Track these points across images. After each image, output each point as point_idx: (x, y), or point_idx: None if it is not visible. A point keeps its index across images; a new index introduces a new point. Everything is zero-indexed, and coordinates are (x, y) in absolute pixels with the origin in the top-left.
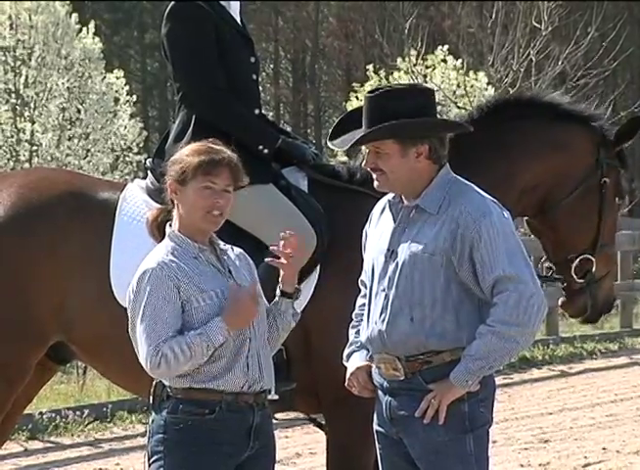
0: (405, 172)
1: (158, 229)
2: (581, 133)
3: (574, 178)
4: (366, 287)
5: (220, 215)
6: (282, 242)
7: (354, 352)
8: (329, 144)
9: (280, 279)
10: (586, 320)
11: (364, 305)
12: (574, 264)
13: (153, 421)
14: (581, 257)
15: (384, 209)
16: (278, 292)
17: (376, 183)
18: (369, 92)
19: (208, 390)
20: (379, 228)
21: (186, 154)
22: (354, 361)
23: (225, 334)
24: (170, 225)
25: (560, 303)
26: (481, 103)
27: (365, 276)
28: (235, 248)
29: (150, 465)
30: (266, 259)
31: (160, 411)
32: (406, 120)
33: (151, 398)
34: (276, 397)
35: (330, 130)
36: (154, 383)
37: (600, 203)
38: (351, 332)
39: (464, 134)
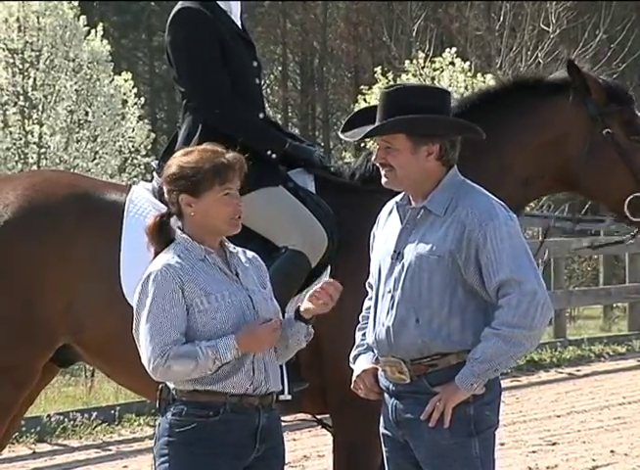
0: (414, 170)
1: (156, 234)
2: (562, 100)
3: (577, 146)
4: (372, 289)
5: (240, 217)
6: (323, 283)
7: (361, 354)
8: (340, 135)
9: (303, 307)
10: None
11: (370, 307)
12: (625, 207)
13: (159, 424)
14: (632, 196)
15: (391, 210)
16: (294, 314)
17: (384, 180)
18: (385, 88)
19: (213, 392)
20: (386, 230)
21: (193, 163)
22: (361, 364)
23: (234, 353)
24: (179, 228)
25: None
26: (466, 97)
27: (371, 278)
28: (248, 252)
29: (156, 468)
30: (305, 295)
31: (166, 414)
32: (420, 115)
33: (157, 401)
34: (289, 397)
35: (343, 122)
36: (160, 387)
37: (617, 152)
38: (358, 334)
39: None
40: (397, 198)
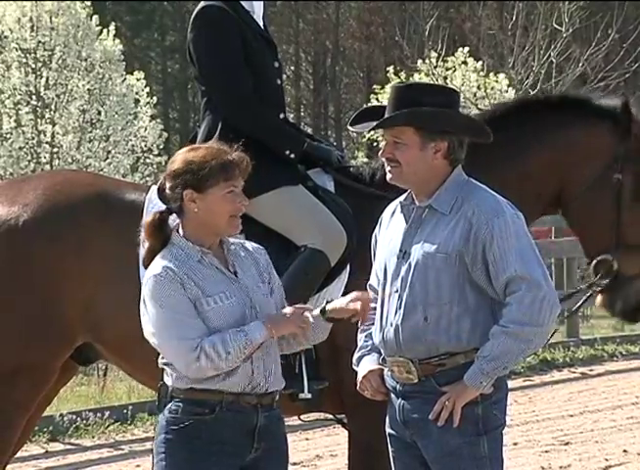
0: (421, 167)
1: (154, 231)
2: (599, 129)
3: (587, 175)
4: (375, 291)
5: (239, 217)
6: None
7: (364, 355)
8: (349, 128)
9: (333, 307)
10: (624, 318)
11: (374, 308)
12: (592, 265)
13: (158, 422)
14: (599, 258)
15: (394, 211)
16: (318, 311)
17: (388, 176)
18: (396, 83)
19: (209, 390)
20: (390, 230)
21: (199, 158)
22: (365, 365)
23: (265, 334)
24: (177, 231)
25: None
26: (500, 103)
27: (375, 279)
28: (248, 243)
29: (154, 466)
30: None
31: (163, 412)
32: (431, 109)
33: (156, 399)
34: (309, 396)
35: (351, 116)
36: (159, 384)
37: (614, 200)
38: (360, 336)
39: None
40: (401, 198)
